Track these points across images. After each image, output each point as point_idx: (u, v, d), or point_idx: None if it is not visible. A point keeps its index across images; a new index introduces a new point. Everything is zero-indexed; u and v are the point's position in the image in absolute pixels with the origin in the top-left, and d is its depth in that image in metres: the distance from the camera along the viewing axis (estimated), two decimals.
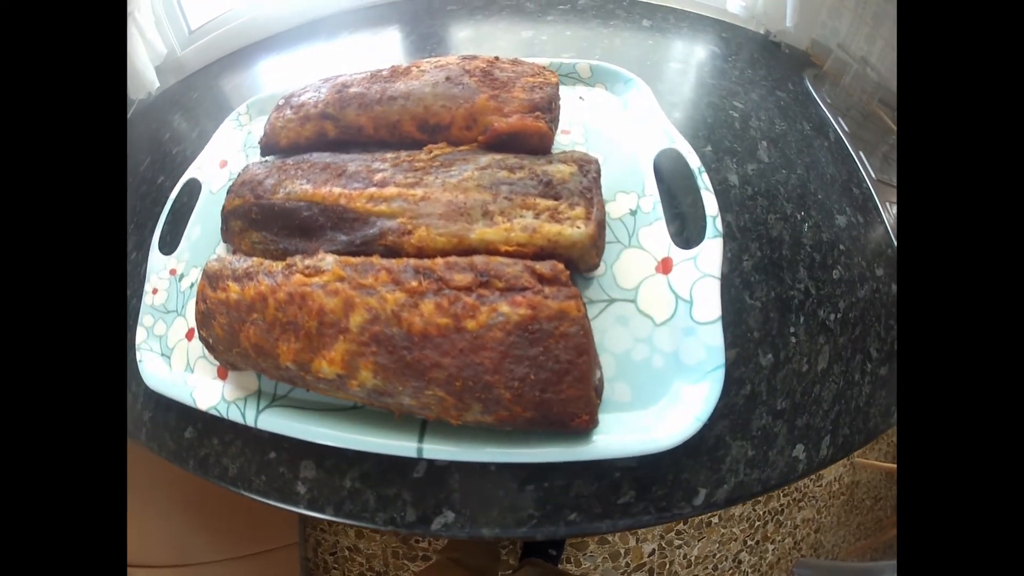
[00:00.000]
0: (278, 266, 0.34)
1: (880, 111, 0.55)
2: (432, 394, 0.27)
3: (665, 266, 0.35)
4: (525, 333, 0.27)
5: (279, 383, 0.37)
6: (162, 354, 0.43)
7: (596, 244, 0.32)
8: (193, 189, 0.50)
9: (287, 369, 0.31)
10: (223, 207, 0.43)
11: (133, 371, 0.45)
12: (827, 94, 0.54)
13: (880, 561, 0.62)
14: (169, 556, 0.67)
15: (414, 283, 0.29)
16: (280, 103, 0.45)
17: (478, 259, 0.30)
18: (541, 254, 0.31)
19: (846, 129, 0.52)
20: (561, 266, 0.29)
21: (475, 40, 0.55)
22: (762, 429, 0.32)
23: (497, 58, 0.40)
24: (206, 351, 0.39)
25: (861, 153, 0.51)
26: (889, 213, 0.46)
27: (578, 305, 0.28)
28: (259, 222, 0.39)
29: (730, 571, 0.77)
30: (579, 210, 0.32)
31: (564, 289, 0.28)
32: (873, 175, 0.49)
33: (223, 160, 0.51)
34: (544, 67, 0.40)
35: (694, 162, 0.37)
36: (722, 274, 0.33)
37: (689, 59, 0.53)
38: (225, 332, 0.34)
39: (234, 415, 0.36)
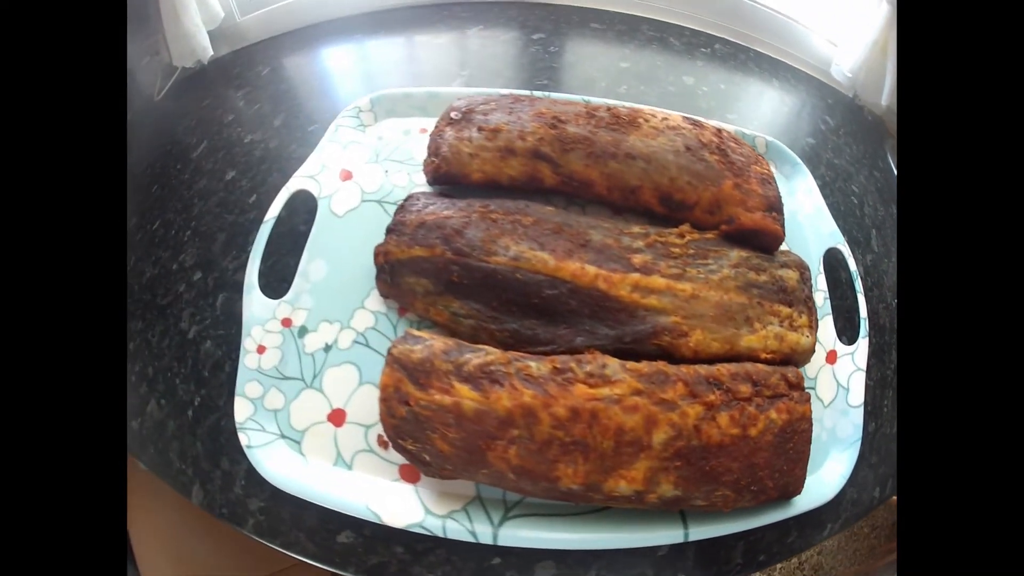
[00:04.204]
0: (540, 367, 0.25)
1: None
2: (720, 494, 0.28)
3: (831, 357, 0.36)
4: (784, 434, 0.29)
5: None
6: (283, 435, 0.29)
7: (814, 349, 0.33)
8: (297, 203, 0.35)
9: (567, 491, 0.25)
10: (383, 251, 0.30)
11: (228, 447, 0.31)
12: None
13: None
14: None
15: (711, 396, 0.27)
16: (454, 116, 0.32)
17: (750, 368, 0.29)
18: (783, 360, 0.31)
19: None
20: (801, 373, 0.31)
21: (640, 76, 0.46)
22: (863, 478, 0.37)
23: (720, 131, 0.35)
24: (373, 446, 0.28)
25: None
26: None
27: (811, 406, 0.30)
28: (463, 288, 0.27)
29: None
30: (805, 318, 0.33)
31: (804, 393, 0.30)
32: None
33: (346, 171, 0.35)
34: (758, 153, 0.36)
35: (853, 265, 0.38)
36: None
37: (818, 134, 0.51)
38: (457, 448, 0.24)
39: (457, 534, 0.26)
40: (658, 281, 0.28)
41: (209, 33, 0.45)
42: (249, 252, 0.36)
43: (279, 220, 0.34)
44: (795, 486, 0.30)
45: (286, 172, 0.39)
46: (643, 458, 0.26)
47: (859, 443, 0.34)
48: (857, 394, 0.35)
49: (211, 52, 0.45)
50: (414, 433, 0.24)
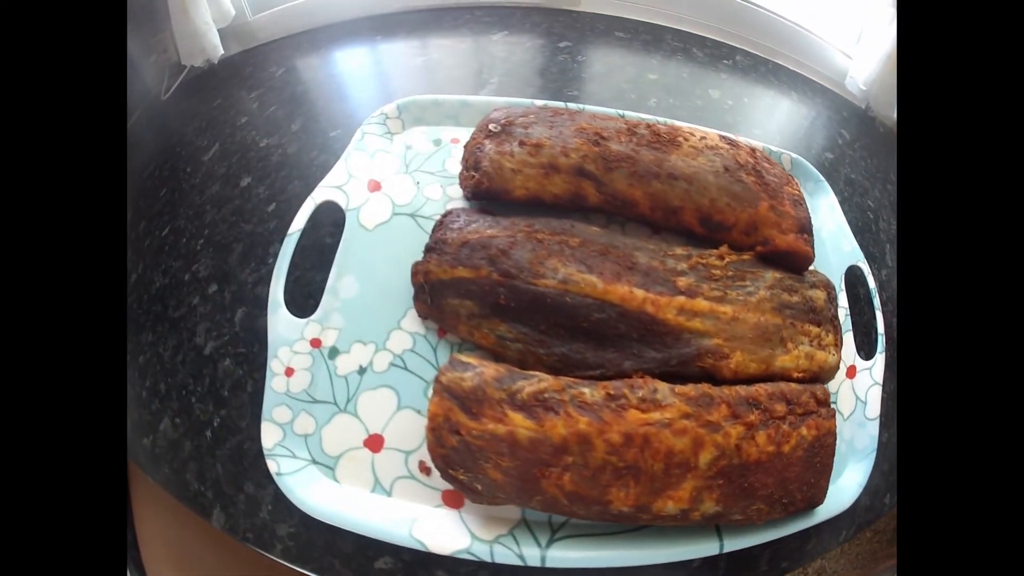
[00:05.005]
0: (594, 394, 0.25)
1: None
2: (756, 508, 0.29)
3: (851, 372, 0.38)
4: (812, 449, 0.30)
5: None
6: (314, 461, 0.28)
7: (839, 366, 0.35)
8: (321, 214, 0.33)
9: (618, 513, 0.26)
10: (423, 270, 0.29)
11: (253, 471, 0.30)
12: None
13: None
14: None
15: (752, 416, 0.28)
16: (493, 128, 0.31)
17: (784, 387, 0.30)
18: (812, 378, 0.33)
19: None
20: (828, 390, 0.32)
21: (668, 88, 0.46)
22: (875, 485, 0.38)
23: (755, 150, 0.35)
24: (414, 472, 0.27)
25: None
26: None
27: (836, 421, 0.32)
28: (511, 311, 0.26)
29: None
30: (831, 337, 0.34)
31: (830, 409, 0.32)
32: None
33: (374, 181, 0.34)
34: (789, 175, 0.37)
35: (872, 282, 0.39)
36: None
37: (835, 148, 0.51)
38: (511, 477, 0.24)
39: (505, 558, 0.26)
40: (702, 304, 0.28)
41: (219, 31, 0.43)
42: (270, 265, 0.35)
43: (303, 232, 0.33)
44: (819, 497, 0.32)
45: (307, 180, 0.37)
46: (690, 478, 0.26)
47: (875, 453, 0.35)
48: (874, 407, 0.36)
49: (221, 51, 0.43)
50: (465, 463, 0.24)
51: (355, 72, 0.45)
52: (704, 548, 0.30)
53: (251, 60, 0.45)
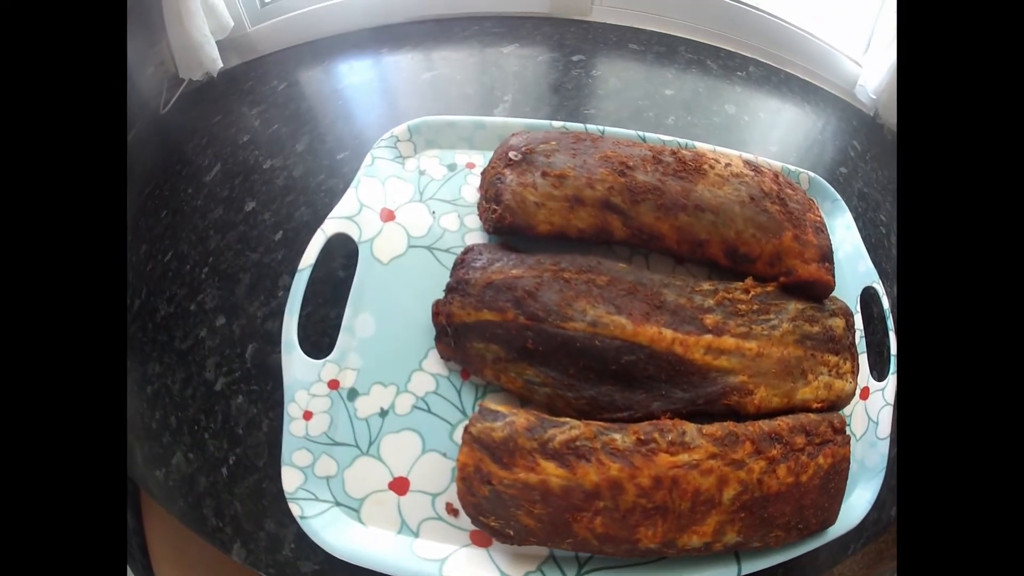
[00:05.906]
0: (625, 439, 0.25)
1: None
2: (774, 535, 0.30)
3: (864, 394, 0.38)
4: (828, 476, 0.31)
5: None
6: (337, 503, 0.28)
7: (855, 393, 0.35)
8: (332, 244, 0.32)
9: (645, 550, 0.26)
10: (445, 311, 0.28)
11: (273, 510, 0.30)
12: None
13: None
14: None
15: (773, 451, 0.28)
16: (514, 156, 0.30)
17: (804, 419, 0.31)
18: (829, 406, 0.33)
19: None
20: (844, 418, 0.32)
21: (685, 105, 0.45)
22: (883, 499, 0.39)
23: (777, 176, 0.35)
24: (441, 513, 0.27)
25: None
26: None
27: (850, 447, 0.32)
28: (539, 355, 0.26)
29: None
30: (848, 365, 0.34)
31: (845, 436, 0.32)
32: None
33: (387, 210, 0.33)
34: (811, 199, 0.37)
35: (886, 303, 0.39)
36: None
37: (849, 162, 0.51)
38: (543, 523, 0.24)
39: None
40: (728, 342, 0.28)
41: (217, 43, 0.41)
42: (280, 299, 0.34)
43: (313, 266, 0.32)
44: (831, 519, 0.33)
45: (315, 207, 0.36)
46: (714, 514, 0.27)
47: (884, 471, 0.36)
48: (885, 427, 0.37)
49: (220, 64, 0.41)
50: (497, 511, 0.24)
51: (360, 87, 0.43)
52: (724, 573, 0.31)
53: (251, 73, 0.43)
